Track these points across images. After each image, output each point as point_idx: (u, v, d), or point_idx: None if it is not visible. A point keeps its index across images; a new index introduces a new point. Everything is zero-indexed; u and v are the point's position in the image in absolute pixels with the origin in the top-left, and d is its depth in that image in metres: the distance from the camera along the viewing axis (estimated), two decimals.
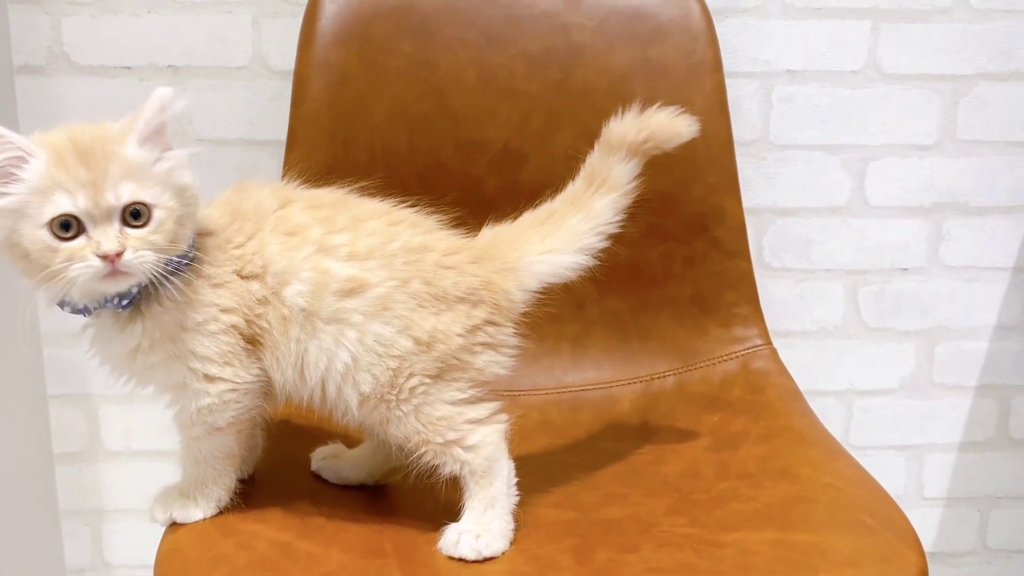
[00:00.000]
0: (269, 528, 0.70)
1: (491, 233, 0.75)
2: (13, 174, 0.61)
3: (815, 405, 0.90)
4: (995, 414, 1.21)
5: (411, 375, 0.68)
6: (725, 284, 0.99)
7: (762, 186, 1.12)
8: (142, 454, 1.14)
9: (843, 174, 1.12)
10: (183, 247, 0.65)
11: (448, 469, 0.71)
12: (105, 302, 0.65)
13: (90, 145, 0.62)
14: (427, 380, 0.69)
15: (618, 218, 0.75)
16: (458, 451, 0.70)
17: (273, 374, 0.69)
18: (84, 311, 0.66)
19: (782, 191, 1.12)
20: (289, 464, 0.80)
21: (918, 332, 1.17)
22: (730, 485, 0.78)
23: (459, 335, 0.69)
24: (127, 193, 0.62)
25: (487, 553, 0.69)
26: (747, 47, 1.08)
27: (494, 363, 0.72)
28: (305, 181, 0.75)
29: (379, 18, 0.95)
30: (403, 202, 0.74)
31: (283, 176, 0.95)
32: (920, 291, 1.16)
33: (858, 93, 1.10)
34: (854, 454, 0.81)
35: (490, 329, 0.71)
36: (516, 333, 0.73)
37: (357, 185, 0.74)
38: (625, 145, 0.75)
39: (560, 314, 0.99)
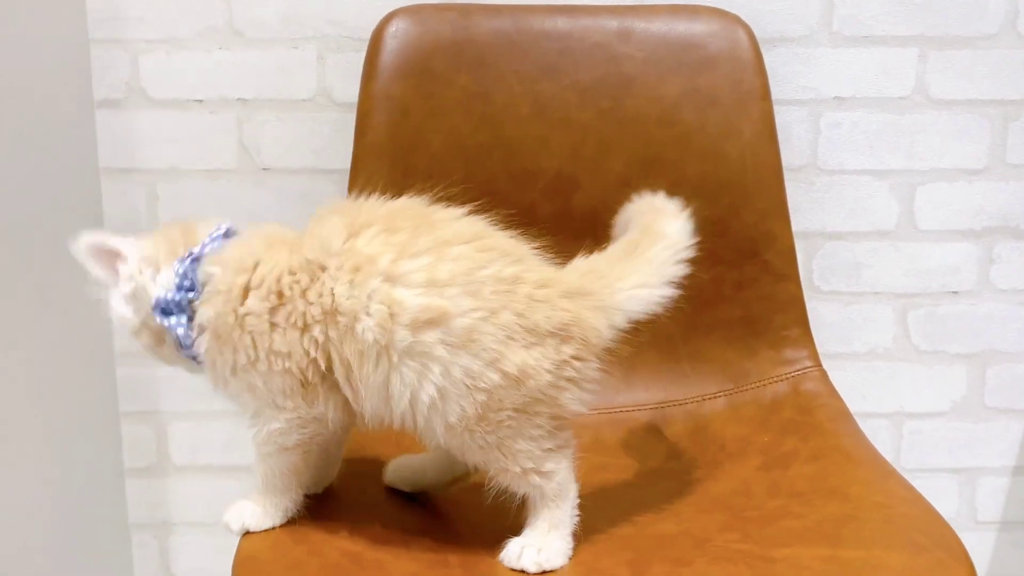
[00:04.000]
0: (340, 538, 0.73)
1: (583, 265, 0.74)
2: None
3: (865, 427, 0.90)
4: None
5: (500, 409, 0.68)
6: (775, 307, 0.99)
7: (811, 210, 1.13)
8: (208, 469, 1.18)
9: (891, 198, 1.13)
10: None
11: (521, 491, 0.72)
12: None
13: None
14: (513, 414, 0.68)
15: (693, 240, 0.76)
16: (534, 477, 0.71)
17: (355, 405, 0.70)
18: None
19: (831, 215, 1.13)
20: (361, 476, 0.82)
21: (969, 355, 1.17)
22: (781, 503, 0.79)
23: (548, 371, 0.68)
24: None
25: (547, 567, 0.71)
26: (795, 75, 1.10)
27: (577, 399, 0.71)
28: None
29: (438, 52, 0.99)
30: (495, 221, 0.73)
31: None
32: (971, 314, 1.16)
33: (906, 119, 1.11)
34: (905, 477, 0.82)
35: (577, 364, 0.69)
36: (600, 368, 0.71)
37: (446, 192, 0.73)
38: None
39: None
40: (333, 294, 0.68)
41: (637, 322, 0.98)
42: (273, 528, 0.74)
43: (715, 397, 0.98)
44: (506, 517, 0.74)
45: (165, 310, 0.70)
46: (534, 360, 0.67)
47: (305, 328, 0.68)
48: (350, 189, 0.99)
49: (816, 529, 0.74)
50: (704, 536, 0.75)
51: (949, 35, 1.09)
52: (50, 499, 1.01)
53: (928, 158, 1.12)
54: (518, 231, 0.73)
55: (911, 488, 0.79)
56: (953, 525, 0.75)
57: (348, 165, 1.00)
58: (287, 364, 0.69)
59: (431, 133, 0.99)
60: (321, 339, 0.68)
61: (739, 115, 0.99)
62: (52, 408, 1.02)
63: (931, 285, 1.15)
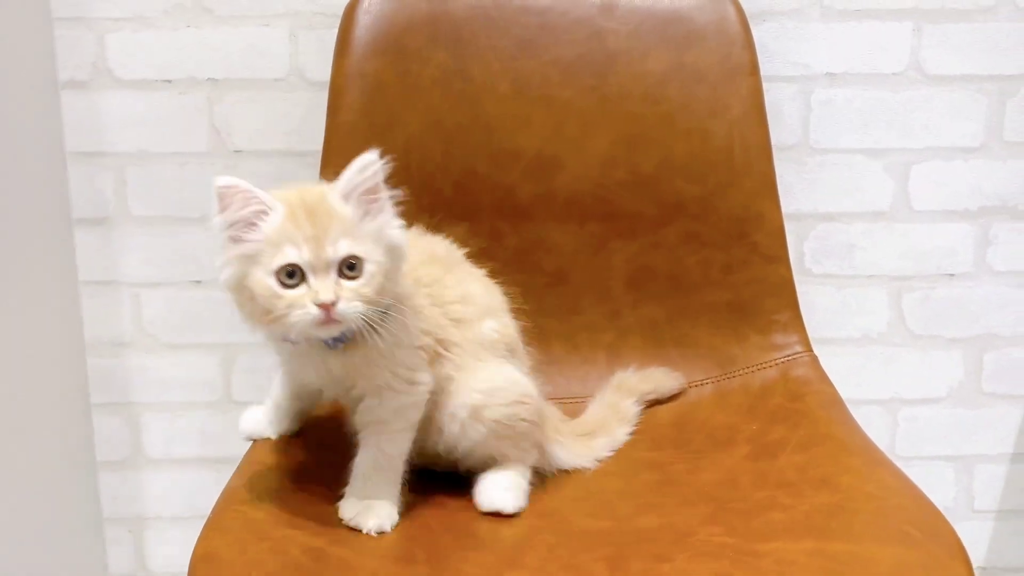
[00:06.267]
0: (303, 534, 0.70)
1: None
2: (255, 224, 0.68)
3: (859, 414, 0.88)
4: None
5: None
6: (764, 290, 0.97)
7: (802, 191, 1.10)
8: (183, 462, 1.16)
9: (886, 178, 1.10)
10: (388, 299, 0.70)
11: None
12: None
13: (316, 204, 0.68)
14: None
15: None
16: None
17: (445, 382, 0.76)
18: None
19: (823, 196, 1.10)
20: (326, 467, 0.79)
21: (966, 340, 1.14)
22: (768, 494, 0.76)
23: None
24: (344, 248, 0.67)
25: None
26: (785, 50, 1.06)
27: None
28: None
29: (413, 28, 0.96)
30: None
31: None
32: (967, 297, 1.13)
33: (900, 96, 1.08)
34: (900, 465, 0.79)
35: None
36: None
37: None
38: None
39: (595, 322, 0.99)
40: (461, 295, 0.79)
41: (619, 307, 0.98)
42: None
43: (701, 384, 0.95)
44: (474, 510, 0.72)
45: None
46: (492, 328, 0.79)
47: (440, 306, 0.77)
48: (323, 170, 0.96)
49: (804, 521, 0.72)
50: (687, 530, 0.72)
51: (945, 8, 1.06)
52: (21, 494, 0.99)
53: (923, 136, 1.09)
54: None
55: (905, 478, 0.76)
56: (949, 514, 0.73)
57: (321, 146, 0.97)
58: (426, 340, 0.76)
59: (407, 112, 0.96)
60: (449, 319, 0.77)
61: (727, 92, 0.96)
62: (21, 400, 0.99)
63: (927, 267, 1.12)
